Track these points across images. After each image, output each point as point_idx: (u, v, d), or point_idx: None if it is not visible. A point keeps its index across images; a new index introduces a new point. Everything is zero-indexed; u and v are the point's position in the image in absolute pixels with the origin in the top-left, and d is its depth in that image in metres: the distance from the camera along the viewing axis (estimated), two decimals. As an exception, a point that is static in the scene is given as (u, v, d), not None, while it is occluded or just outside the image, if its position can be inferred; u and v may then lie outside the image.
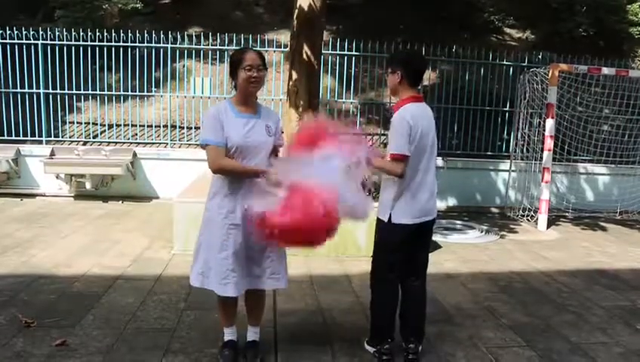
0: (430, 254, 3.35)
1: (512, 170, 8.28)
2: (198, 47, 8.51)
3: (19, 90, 8.14)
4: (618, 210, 8.24)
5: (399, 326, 3.26)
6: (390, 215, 3.08)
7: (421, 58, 3.22)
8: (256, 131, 2.90)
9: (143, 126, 8.46)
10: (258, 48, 7.82)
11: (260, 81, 2.88)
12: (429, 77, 8.91)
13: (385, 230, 3.13)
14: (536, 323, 3.92)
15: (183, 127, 8.50)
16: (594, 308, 4.30)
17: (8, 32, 8.04)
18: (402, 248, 3.14)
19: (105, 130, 8.45)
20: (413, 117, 2.99)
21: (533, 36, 11.84)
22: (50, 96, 8.22)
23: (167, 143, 8.33)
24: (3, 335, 3.32)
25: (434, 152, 3.15)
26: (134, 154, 7.91)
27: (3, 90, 8.18)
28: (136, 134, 8.45)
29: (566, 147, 8.10)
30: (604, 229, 7.43)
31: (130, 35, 8.17)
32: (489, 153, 8.66)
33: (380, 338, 3.22)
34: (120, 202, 7.69)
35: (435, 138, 3.15)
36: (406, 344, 3.21)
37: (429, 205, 3.14)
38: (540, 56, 8.82)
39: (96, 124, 8.51)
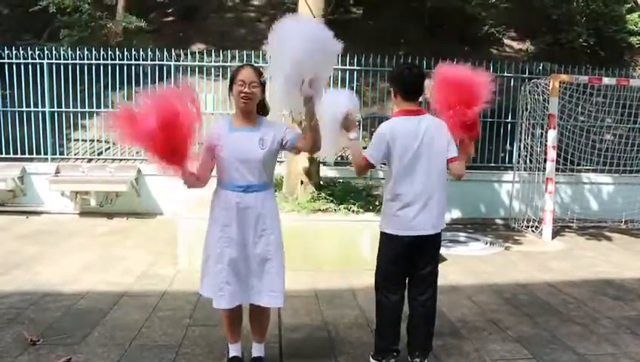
0: (435, 267, 3.34)
1: (516, 181, 8.28)
2: (202, 63, 8.58)
3: (24, 108, 8.21)
4: (623, 220, 8.19)
5: (406, 340, 3.26)
6: (381, 224, 3.22)
7: (410, 72, 3.17)
8: (247, 144, 2.90)
9: (147, 142, 8.49)
10: (260, 64, 7.92)
11: (251, 97, 2.88)
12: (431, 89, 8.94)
13: (380, 238, 3.23)
14: (543, 335, 3.90)
15: (187, 143, 8.53)
16: (601, 318, 4.27)
17: (14, 52, 8.14)
18: (397, 260, 3.16)
19: (109, 147, 8.50)
20: (392, 130, 3.09)
21: (533, 47, 11.89)
22: (56, 114, 8.29)
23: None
24: (9, 353, 3.33)
25: (430, 167, 3.07)
26: (139, 171, 7.96)
27: (9, 108, 8.26)
28: (141, 151, 8.49)
29: (569, 157, 8.09)
30: (609, 239, 7.40)
31: (133, 52, 8.25)
32: (492, 165, 8.65)
33: (382, 349, 3.22)
34: (125, 219, 7.72)
35: (435, 153, 3.08)
36: (411, 358, 3.20)
37: (421, 219, 3.07)
38: (540, 67, 8.85)
39: (101, 142, 8.57)
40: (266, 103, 3.06)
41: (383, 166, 3.26)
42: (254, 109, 2.98)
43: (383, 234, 3.22)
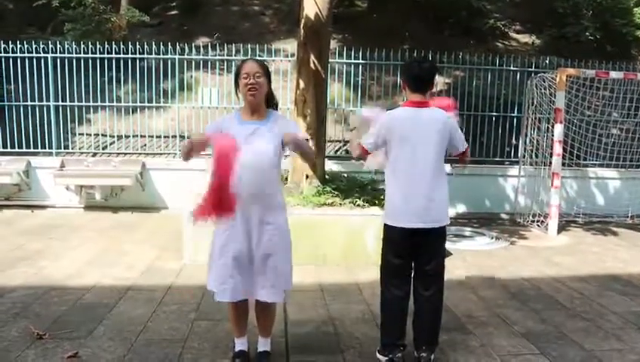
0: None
1: (522, 176, 8.24)
2: (206, 57, 8.56)
3: (29, 102, 8.22)
4: (629, 215, 8.16)
5: (412, 335, 3.25)
6: (383, 215, 3.26)
7: (419, 65, 3.19)
8: (257, 138, 2.89)
9: (152, 137, 8.51)
10: (265, 58, 7.90)
11: (257, 87, 2.88)
12: (436, 83, 8.90)
13: (384, 230, 3.25)
14: (549, 330, 3.88)
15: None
16: (607, 314, 4.25)
17: (19, 46, 8.13)
18: (399, 253, 3.16)
19: (114, 141, 8.51)
20: (393, 119, 3.14)
21: (539, 41, 11.81)
22: (60, 108, 8.29)
23: (175, 154, 8.36)
24: (15, 347, 3.33)
25: (427, 158, 3.08)
26: (143, 165, 7.95)
27: (14, 103, 8.28)
28: (145, 145, 8.50)
29: (575, 152, 8.05)
30: (615, 234, 7.36)
31: (138, 46, 8.24)
32: (498, 159, 8.62)
33: (387, 344, 3.22)
34: (130, 213, 7.73)
35: (434, 145, 3.08)
36: (418, 353, 3.19)
37: (417, 211, 3.06)
38: (547, 61, 8.79)
39: (106, 136, 8.57)
40: (273, 95, 3.05)
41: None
42: (263, 102, 2.97)
43: (384, 225, 3.24)
